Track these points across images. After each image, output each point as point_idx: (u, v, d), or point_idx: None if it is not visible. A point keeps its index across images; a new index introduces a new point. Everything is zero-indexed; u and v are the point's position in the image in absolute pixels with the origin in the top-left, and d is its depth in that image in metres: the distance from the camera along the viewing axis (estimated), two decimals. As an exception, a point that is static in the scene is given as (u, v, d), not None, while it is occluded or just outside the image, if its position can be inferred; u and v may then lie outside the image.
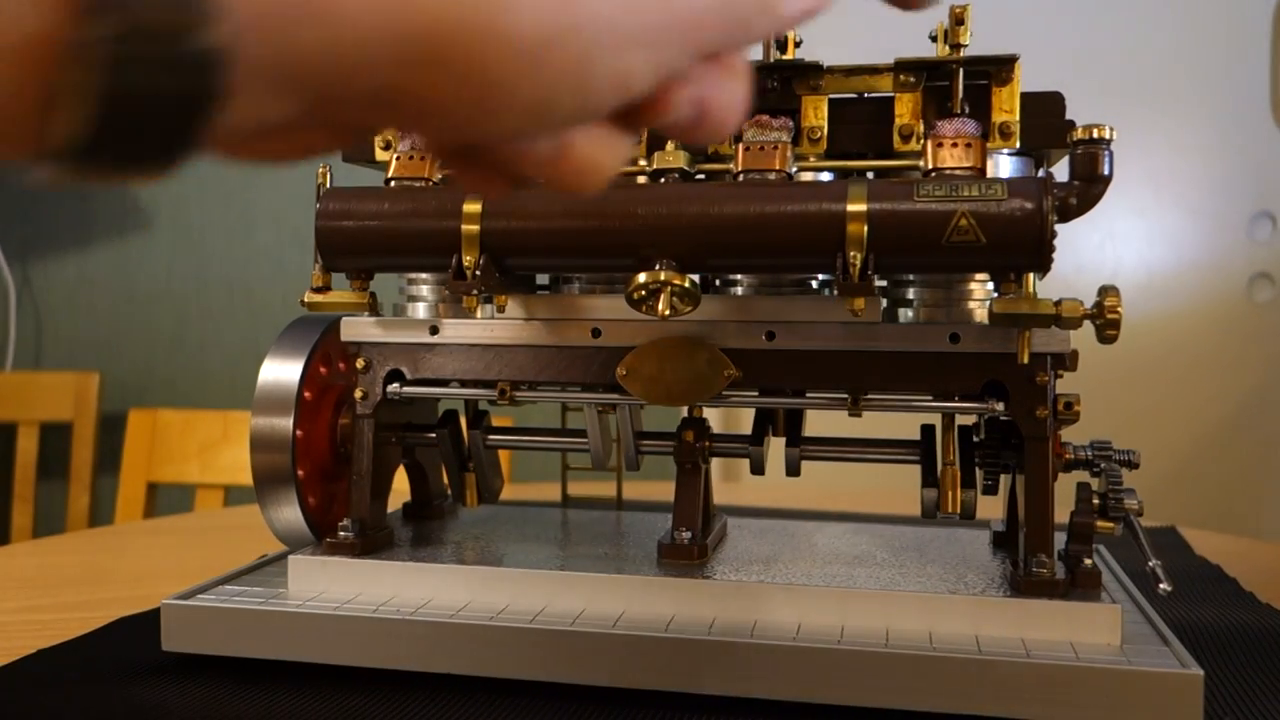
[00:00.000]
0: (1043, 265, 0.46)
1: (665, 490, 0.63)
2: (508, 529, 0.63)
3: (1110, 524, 0.51)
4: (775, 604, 0.50)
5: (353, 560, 0.55)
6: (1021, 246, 0.46)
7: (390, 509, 0.62)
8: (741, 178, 0.50)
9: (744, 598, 0.50)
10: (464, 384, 0.56)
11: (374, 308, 0.54)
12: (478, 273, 0.50)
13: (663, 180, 0.51)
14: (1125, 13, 1.67)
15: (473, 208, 0.50)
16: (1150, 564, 0.48)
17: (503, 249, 0.50)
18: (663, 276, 0.47)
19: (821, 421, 0.58)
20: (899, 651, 0.46)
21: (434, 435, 0.60)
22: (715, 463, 0.60)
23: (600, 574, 0.52)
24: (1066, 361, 0.51)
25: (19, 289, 1.72)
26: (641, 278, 0.48)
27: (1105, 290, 0.46)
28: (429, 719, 0.46)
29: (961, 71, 0.50)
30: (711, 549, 0.57)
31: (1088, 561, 0.50)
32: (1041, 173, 0.52)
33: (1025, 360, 0.48)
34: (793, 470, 0.57)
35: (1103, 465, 0.52)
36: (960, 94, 0.50)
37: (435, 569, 0.54)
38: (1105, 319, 0.46)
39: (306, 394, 0.58)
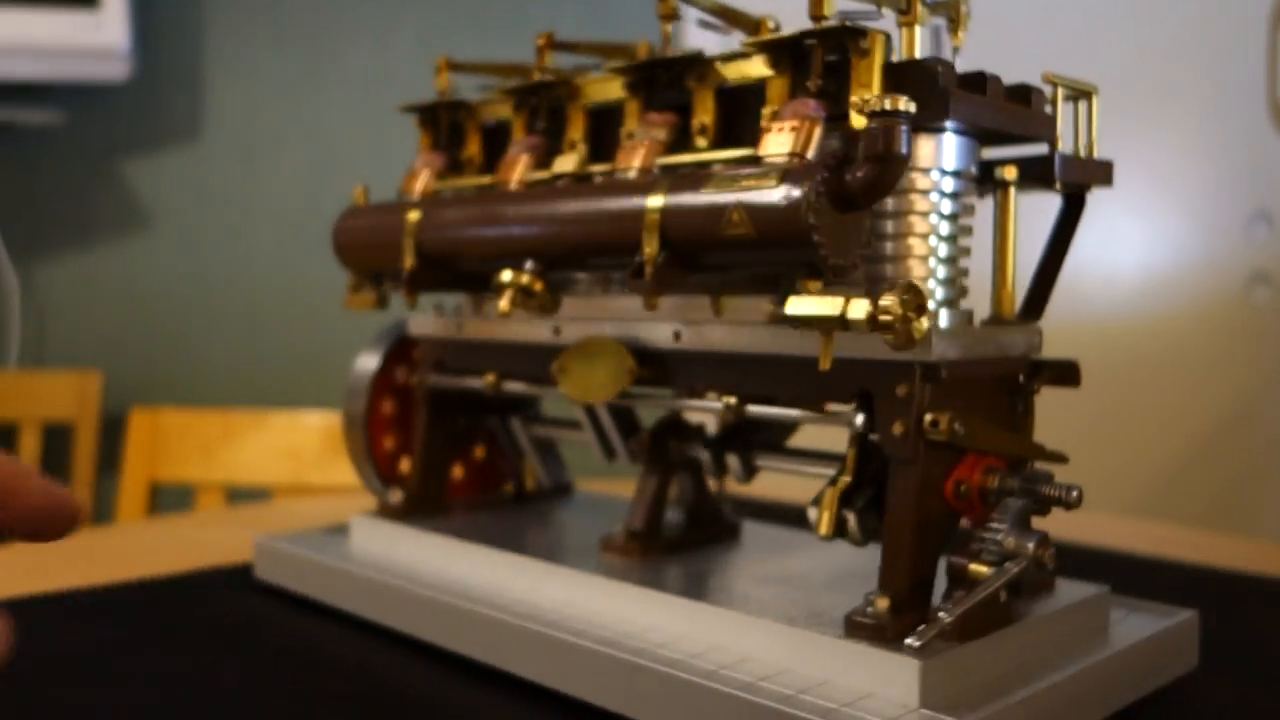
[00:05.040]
0: (811, 261, 0.40)
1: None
2: (561, 516, 0.67)
3: (983, 568, 0.42)
4: (638, 605, 0.49)
5: (397, 525, 0.63)
6: (786, 240, 0.41)
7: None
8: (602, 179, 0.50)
9: (613, 596, 0.50)
10: (478, 374, 0.62)
11: (381, 303, 0.62)
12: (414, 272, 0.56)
13: (559, 183, 0.52)
14: (1124, 13, 1.67)
15: (413, 217, 0.56)
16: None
17: (431, 253, 0.55)
18: (507, 277, 0.50)
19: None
20: (653, 667, 0.43)
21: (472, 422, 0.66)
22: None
23: (548, 563, 0.54)
24: (941, 372, 0.43)
25: (21, 288, 1.68)
26: (504, 276, 0.50)
27: (886, 288, 0.39)
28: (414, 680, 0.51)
29: (821, 48, 0.45)
30: (681, 548, 0.56)
31: (941, 615, 0.42)
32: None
33: (825, 367, 0.42)
34: (740, 477, 0.54)
35: (1008, 501, 0.44)
36: (819, 71, 0.45)
37: (444, 542, 0.59)
38: (878, 321, 0.39)
39: (386, 377, 0.67)
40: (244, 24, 1.68)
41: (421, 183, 0.60)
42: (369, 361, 0.67)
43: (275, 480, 1.30)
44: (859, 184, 0.40)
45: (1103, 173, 0.51)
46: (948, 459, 0.44)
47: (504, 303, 0.50)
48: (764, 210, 0.41)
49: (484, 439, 0.71)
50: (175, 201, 1.70)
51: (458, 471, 0.71)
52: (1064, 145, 0.50)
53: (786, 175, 0.41)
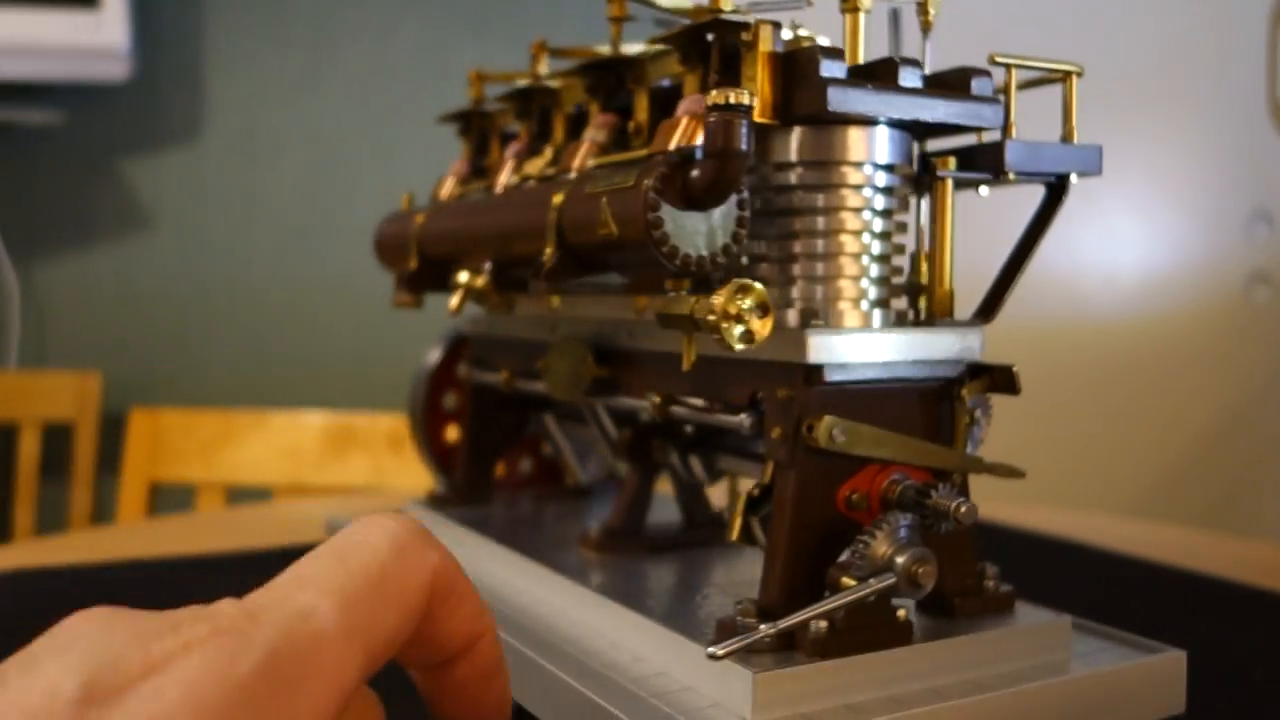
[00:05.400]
0: (659, 262, 0.40)
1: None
2: (598, 510, 0.68)
3: (853, 581, 0.40)
4: (574, 601, 0.50)
5: (432, 513, 0.66)
6: (634, 239, 0.40)
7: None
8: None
9: (557, 590, 0.51)
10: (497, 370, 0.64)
11: (418, 303, 0.65)
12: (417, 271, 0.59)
13: (526, 185, 0.54)
14: (1123, 12, 1.68)
15: (419, 220, 0.59)
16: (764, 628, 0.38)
17: (430, 255, 0.58)
18: (463, 278, 0.52)
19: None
20: (532, 657, 0.44)
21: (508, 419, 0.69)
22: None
23: (520, 556, 0.56)
24: (823, 375, 0.41)
25: (21, 288, 1.67)
26: (460, 278, 0.53)
27: (721, 287, 0.38)
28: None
29: (719, 42, 0.44)
30: (667, 548, 0.56)
31: (821, 624, 0.40)
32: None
33: (686, 367, 0.41)
34: (705, 480, 0.54)
35: (889, 512, 0.41)
36: (717, 66, 0.44)
37: (447, 531, 0.62)
38: (706, 322, 0.38)
39: (447, 372, 0.71)
40: (244, 24, 1.67)
41: (446, 189, 0.63)
42: (431, 356, 0.71)
43: (275, 480, 1.31)
44: (700, 182, 0.39)
45: (1083, 159, 0.47)
46: (837, 467, 0.42)
47: (453, 301, 0.52)
48: (618, 209, 0.41)
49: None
50: (175, 201, 1.70)
51: (526, 465, 0.74)
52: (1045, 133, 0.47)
53: (641, 174, 0.41)
